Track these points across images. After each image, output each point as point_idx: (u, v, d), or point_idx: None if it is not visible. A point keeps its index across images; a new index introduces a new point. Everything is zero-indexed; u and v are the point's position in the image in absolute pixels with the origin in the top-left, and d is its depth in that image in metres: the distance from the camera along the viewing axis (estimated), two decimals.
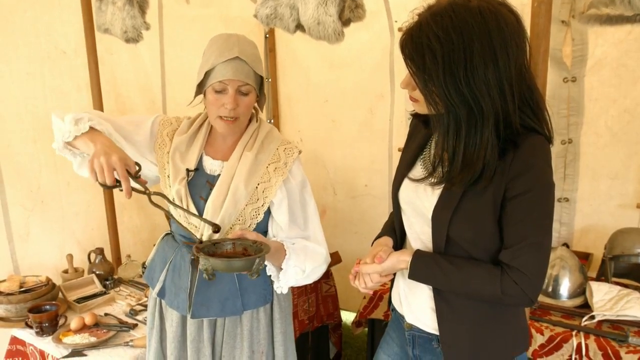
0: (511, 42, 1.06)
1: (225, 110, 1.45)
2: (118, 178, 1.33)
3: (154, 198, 1.39)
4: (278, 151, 1.56)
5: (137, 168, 1.37)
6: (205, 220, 1.45)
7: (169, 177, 1.54)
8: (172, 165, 1.53)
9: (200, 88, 1.50)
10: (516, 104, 1.09)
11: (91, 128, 1.41)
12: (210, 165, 1.55)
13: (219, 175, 1.53)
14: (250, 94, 1.48)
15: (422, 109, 1.19)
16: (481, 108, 1.07)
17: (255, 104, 1.57)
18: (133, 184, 1.35)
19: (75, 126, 1.40)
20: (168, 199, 1.45)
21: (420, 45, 1.08)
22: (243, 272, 1.35)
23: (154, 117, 1.62)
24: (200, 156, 1.56)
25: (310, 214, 1.59)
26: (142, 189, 1.37)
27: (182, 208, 1.47)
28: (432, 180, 1.21)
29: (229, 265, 1.32)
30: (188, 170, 1.52)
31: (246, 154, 1.52)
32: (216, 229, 1.44)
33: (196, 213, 1.49)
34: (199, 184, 1.53)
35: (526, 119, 1.13)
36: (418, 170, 1.29)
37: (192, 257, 1.52)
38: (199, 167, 1.55)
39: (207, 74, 1.45)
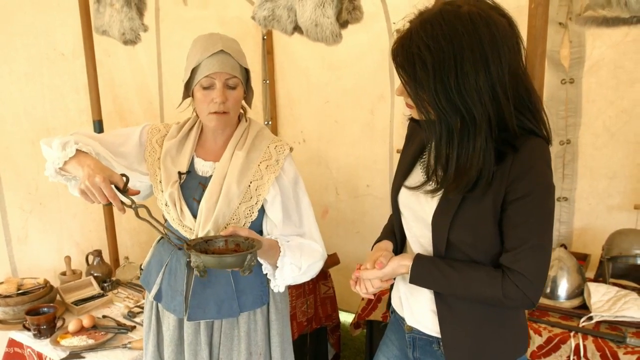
0: (503, 46, 1.05)
1: (214, 105, 1.45)
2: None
3: (141, 212, 1.39)
4: (269, 149, 1.56)
5: (125, 180, 1.36)
6: (169, 237, 1.45)
7: (160, 182, 1.55)
8: (164, 169, 1.54)
9: (188, 89, 1.50)
10: (512, 107, 1.09)
11: (78, 151, 1.40)
12: (202, 167, 1.56)
13: (211, 176, 1.53)
14: (238, 87, 1.49)
15: (418, 115, 1.19)
16: (473, 116, 1.07)
17: (243, 102, 1.57)
18: (124, 197, 1.36)
19: (63, 151, 1.39)
20: (150, 213, 1.42)
21: (411, 54, 1.07)
22: (234, 268, 1.35)
23: (141, 126, 1.62)
24: (192, 159, 1.57)
25: (305, 211, 1.59)
26: (129, 203, 1.37)
27: (161, 224, 1.44)
28: (428, 188, 1.21)
29: (220, 262, 1.32)
30: (180, 173, 1.53)
31: (237, 154, 1.53)
32: (180, 247, 1.43)
33: (162, 227, 1.47)
34: (192, 186, 1.53)
35: (525, 121, 1.12)
36: (418, 175, 1.29)
37: (188, 260, 1.52)
38: (190, 170, 1.55)
39: (194, 72, 1.46)
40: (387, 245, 1.37)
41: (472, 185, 1.11)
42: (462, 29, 1.03)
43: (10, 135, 2.38)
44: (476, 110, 1.06)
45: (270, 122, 3.65)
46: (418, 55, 1.06)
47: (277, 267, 1.49)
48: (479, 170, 1.10)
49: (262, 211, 1.55)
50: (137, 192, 1.40)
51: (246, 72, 1.53)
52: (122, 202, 1.34)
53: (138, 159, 1.58)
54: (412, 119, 1.33)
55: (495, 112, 1.08)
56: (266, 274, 1.54)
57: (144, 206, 1.40)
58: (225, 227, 1.49)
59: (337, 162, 3.45)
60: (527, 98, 1.12)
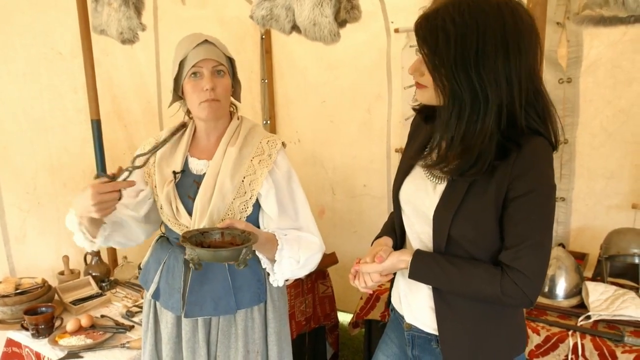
0: (524, 39, 1.08)
1: (205, 93, 1.47)
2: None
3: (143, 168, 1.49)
4: (261, 144, 1.57)
5: (103, 175, 1.40)
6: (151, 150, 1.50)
7: (156, 187, 1.57)
8: (158, 172, 1.56)
9: (177, 85, 1.53)
10: (523, 102, 1.10)
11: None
12: (196, 166, 1.57)
13: (205, 174, 1.54)
14: (226, 75, 1.52)
15: (428, 96, 1.19)
16: (486, 95, 1.08)
17: (233, 100, 1.60)
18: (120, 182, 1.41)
19: (76, 228, 1.51)
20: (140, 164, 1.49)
21: (435, 27, 1.09)
22: (230, 262, 1.35)
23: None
24: (186, 158, 1.58)
25: (300, 204, 1.60)
26: (126, 176, 1.42)
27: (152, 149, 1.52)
28: (427, 162, 1.23)
29: (215, 256, 1.31)
30: (174, 173, 1.54)
31: (230, 150, 1.54)
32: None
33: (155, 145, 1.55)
34: (187, 184, 1.55)
35: (531, 121, 1.13)
36: (420, 171, 1.30)
37: (185, 257, 1.53)
38: (185, 169, 1.57)
39: (181, 67, 1.49)
40: (387, 240, 1.38)
41: (468, 167, 1.13)
42: (490, 11, 1.06)
43: (9, 135, 2.38)
44: (490, 90, 1.08)
45: (268, 122, 3.65)
46: (442, 27, 1.08)
47: (275, 261, 1.49)
48: (479, 152, 1.11)
49: (257, 206, 1.56)
50: (120, 168, 1.42)
51: (231, 63, 1.56)
52: (124, 181, 1.40)
53: (138, 179, 1.60)
54: (417, 112, 1.33)
55: (507, 100, 1.09)
56: (264, 268, 1.55)
57: (138, 166, 1.47)
58: (223, 221, 1.49)
59: (333, 162, 3.45)
60: (536, 99, 1.14)
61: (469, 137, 1.11)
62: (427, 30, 1.11)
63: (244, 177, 1.52)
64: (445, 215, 1.19)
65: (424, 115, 1.31)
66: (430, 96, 1.18)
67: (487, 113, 1.09)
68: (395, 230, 1.41)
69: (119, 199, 1.38)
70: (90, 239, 1.53)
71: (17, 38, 2.37)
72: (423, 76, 1.17)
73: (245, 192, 1.52)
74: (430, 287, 1.27)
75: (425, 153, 1.31)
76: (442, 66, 1.10)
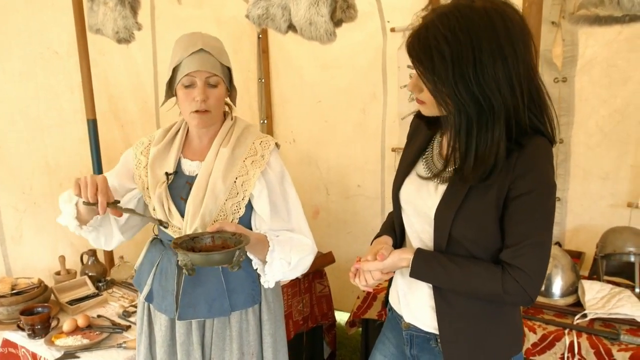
0: (518, 40, 1.07)
1: (196, 104, 1.46)
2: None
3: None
4: (254, 145, 1.57)
5: (115, 200, 1.40)
6: (151, 218, 1.50)
7: (148, 188, 1.56)
8: (151, 174, 1.55)
9: (171, 88, 1.52)
10: (525, 102, 1.10)
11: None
12: (189, 167, 1.57)
13: (197, 175, 1.54)
14: (220, 85, 1.50)
15: (429, 110, 1.19)
16: (492, 106, 1.08)
17: (228, 100, 1.59)
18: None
19: (70, 202, 1.47)
20: (130, 211, 1.46)
21: (428, 46, 1.08)
22: (223, 265, 1.34)
23: (127, 150, 1.67)
24: (179, 160, 1.58)
25: (293, 205, 1.59)
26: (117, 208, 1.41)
27: (142, 214, 1.50)
28: (442, 177, 1.22)
29: (208, 259, 1.31)
30: (167, 174, 1.54)
31: (222, 151, 1.54)
32: (164, 225, 1.48)
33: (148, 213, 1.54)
34: (179, 185, 1.54)
35: (534, 119, 1.14)
36: (420, 170, 1.30)
37: (178, 264, 1.52)
38: (177, 170, 1.56)
39: (175, 71, 1.48)
40: (387, 239, 1.38)
41: (487, 175, 1.13)
42: (479, 20, 1.05)
43: (5, 135, 2.38)
44: (495, 100, 1.08)
45: (265, 122, 3.65)
46: (436, 47, 1.07)
47: (267, 262, 1.49)
48: (497, 159, 1.11)
49: (250, 207, 1.55)
50: (119, 215, 1.43)
51: (228, 71, 1.55)
52: (116, 201, 1.39)
53: (128, 177, 1.61)
54: (417, 116, 1.33)
55: (512, 104, 1.09)
56: (256, 269, 1.54)
57: (130, 210, 1.45)
58: (213, 224, 1.49)
59: (327, 163, 3.45)
60: (537, 95, 1.14)
61: (483, 148, 1.11)
62: (421, 50, 1.10)
63: (236, 178, 1.52)
64: (446, 216, 1.20)
65: (425, 121, 1.30)
66: (432, 110, 1.18)
67: (495, 123, 1.09)
68: (394, 230, 1.41)
69: (103, 211, 1.37)
70: (77, 221, 1.49)
71: (12, 37, 2.37)
72: (422, 92, 1.17)
73: (237, 193, 1.52)
74: (431, 286, 1.27)
75: (427, 154, 1.31)
76: (443, 85, 1.09)
